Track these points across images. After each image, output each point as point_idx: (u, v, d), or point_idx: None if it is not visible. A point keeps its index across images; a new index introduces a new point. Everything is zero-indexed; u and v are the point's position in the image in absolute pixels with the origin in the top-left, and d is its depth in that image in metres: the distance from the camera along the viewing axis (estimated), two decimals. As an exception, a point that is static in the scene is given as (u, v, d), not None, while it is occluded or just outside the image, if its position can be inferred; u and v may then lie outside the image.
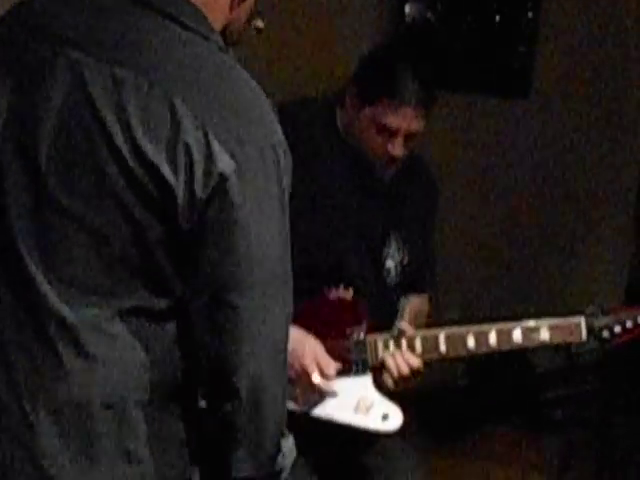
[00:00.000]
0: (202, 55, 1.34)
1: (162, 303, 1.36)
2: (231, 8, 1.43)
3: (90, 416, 1.34)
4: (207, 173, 1.27)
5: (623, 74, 5.15)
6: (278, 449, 1.44)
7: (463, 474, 4.15)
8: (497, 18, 4.59)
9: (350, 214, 2.27)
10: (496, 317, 2.19)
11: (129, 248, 1.31)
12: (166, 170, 1.27)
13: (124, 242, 1.31)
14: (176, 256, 1.33)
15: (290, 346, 2.07)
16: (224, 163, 1.27)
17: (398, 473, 2.36)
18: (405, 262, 2.32)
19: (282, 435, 1.45)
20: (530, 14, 4.68)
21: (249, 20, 1.50)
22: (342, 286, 2.18)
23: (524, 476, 4.16)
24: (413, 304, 2.34)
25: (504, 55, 4.67)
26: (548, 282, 4.81)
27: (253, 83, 1.37)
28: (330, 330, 2.16)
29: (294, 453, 1.49)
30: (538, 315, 2.20)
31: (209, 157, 1.27)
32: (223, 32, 1.44)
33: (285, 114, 2.21)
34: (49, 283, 1.33)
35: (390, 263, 2.30)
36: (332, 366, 2.14)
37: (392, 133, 2.18)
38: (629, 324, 2.19)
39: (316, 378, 2.12)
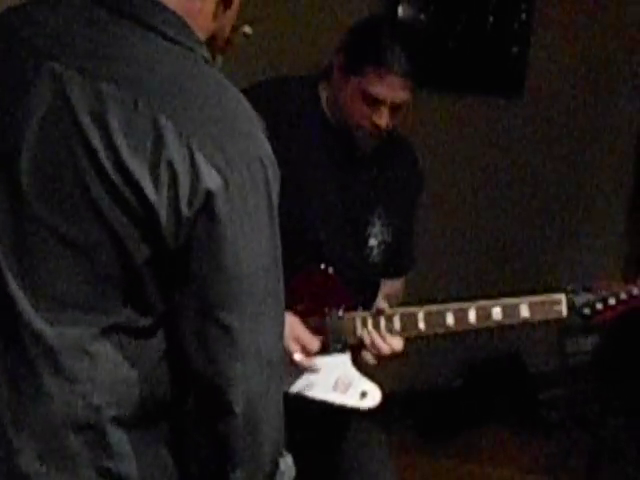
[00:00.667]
0: (186, 68, 1.32)
1: (147, 320, 1.33)
2: (215, 16, 1.40)
3: (68, 437, 1.32)
4: (193, 190, 1.24)
5: (616, 74, 5.16)
6: (276, 468, 1.41)
7: (458, 475, 4.15)
8: (490, 19, 4.59)
9: (334, 191, 2.26)
10: (477, 296, 2.18)
11: (113, 265, 1.29)
12: (149, 188, 1.24)
13: (108, 259, 1.29)
14: (162, 274, 1.30)
15: None
16: (210, 179, 1.25)
17: (370, 467, 2.35)
18: (388, 241, 2.30)
19: (280, 454, 1.43)
20: (523, 15, 4.69)
21: (236, 27, 1.49)
22: (322, 264, 2.17)
23: (519, 477, 4.16)
24: (387, 287, 2.33)
25: (497, 56, 4.67)
26: (544, 279, 4.81)
27: (239, 95, 1.35)
28: (309, 308, 2.16)
29: (293, 472, 1.46)
30: (516, 292, 2.20)
31: (194, 174, 1.25)
32: (210, 40, 1.42)
33: (266, 92, 2.21)
34: (30, 302, 1.31)
35: (373, 241, 2.29)
36: (314, 342, 2.14)
37: (378, 102, 2.16)
38: (611, 301, 2.20)
39: (297, 356, 2.12)
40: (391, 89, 2.16)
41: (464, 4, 4.49)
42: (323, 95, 2.27)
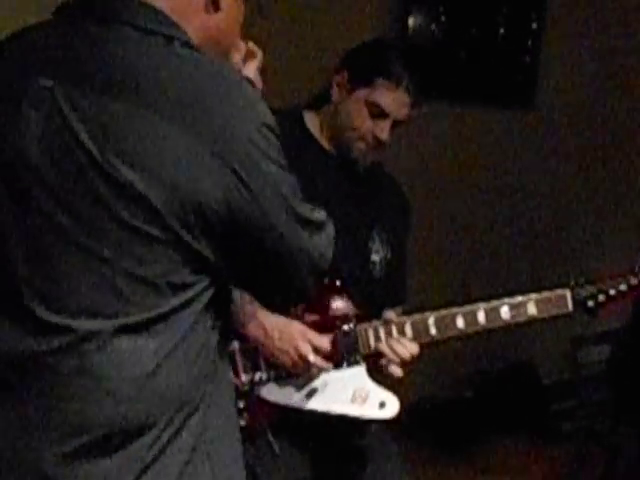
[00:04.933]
0: (167, 60, 1.33)
1: (174, 306, 1.36)
2: (207, 11, 1.43)
3: (99, 435, 1.34)
4: (197, 183, 1.28)
5: (628, 83, 5.16)
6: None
7: (470, 486, 4.14)
8: (501, 30, 4.60)
9: (335, 210, 2.29)
10: (483, 297, 2.21)
11: (137, 262, 1.32)
12: (153, 192, 1.28)
13: (130, 258, 1.31)
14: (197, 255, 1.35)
15: (278, 333, 2.10)
16: (219, 175, 1.29)
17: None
18: (388, 257, 2.36)
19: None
20: (534, 25, 4.69)
21: (234, 41, 1.53)
22: (328, 278, 2.19)
23: (532, 488, 4.16)
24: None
25: (508, 66, 4.68)
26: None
27: (224, 69, 1.37)
28: (319, 322, 2.17)
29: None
30: (521, 290, 2.22)
31: (198, 168, 1.28)
32: (216, 47, 1.46)
33: None
34: (48, 301, 1.33)
35: (375, 257, 2.34)
36: (325, 341, 2.15)
37: (383, 115, 2.23)
38: (612, 292, 2.23)
39: (312, 357, 2.14)
40: (397, 103, 2.23)
41: (475, 14, 4.50)
42: (310, 122, 2.34)
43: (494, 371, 4.76)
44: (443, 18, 4.38)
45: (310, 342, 2.14)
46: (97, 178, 1.28)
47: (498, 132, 4.70)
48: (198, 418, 1.41)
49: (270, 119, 1.36)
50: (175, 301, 1.34)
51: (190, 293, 1.36)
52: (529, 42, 4.70)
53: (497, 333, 4.63)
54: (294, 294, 1.59)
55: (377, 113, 2.23)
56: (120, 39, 1.34)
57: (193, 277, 1.35)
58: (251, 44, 1.61)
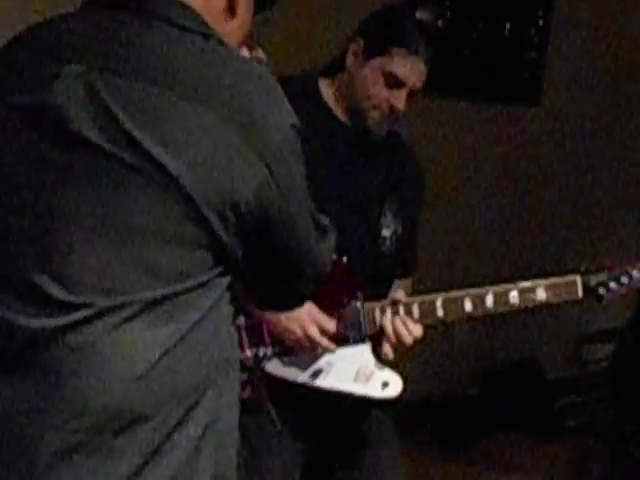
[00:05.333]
0: (207, 55, 1.35)
1: (182, 286, 1.35)
2: (225, 19, 1.45)
3: (105, 427, 1.33)
4: (234, 174, 1.30)
5: (635, 80, 5.14)
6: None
7: (476, 482, 4.14)
8: (508, 26, 4.59)
9: (346, 183, 2.30)
10: (493, 281, 2.21)
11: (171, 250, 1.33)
12: (188, 179, 1.29)
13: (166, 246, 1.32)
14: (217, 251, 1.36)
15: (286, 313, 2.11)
16: (254, 168, 1.31)
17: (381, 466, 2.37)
18: (399, 232, 2.34)
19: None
20: (541, 22, 4.69)
21: (249, 47, 1.54)
22: (337, 254, 2.20)
23: (537, 484, 4.16)
24: (399, 288, 2.35)
25: (515, 63, 4.67)
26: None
27: (259, 68, 1.39)
28: (327, 300, 2.17)
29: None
30: (531, 277, 2.21)
31: (235, 159, 1.30)
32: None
33: None
34: (61, 286, 1.32)
35: (386, 232, 2.32)
36: (331, 323, 2.16)
37: (399, 84, 2.21)
38: (624, 279, 2.23)
39: (318, 338, 2.15)
40: (413, 72, 2.21)
41: (481, 11, 4.49)
42: (325, 91, 2.31)
43: (499, 367, 4.75)
44: (449, 14, 4.38)
45: (317, 323, 2.15)
46: (134, 157, 1.29)
47: (504, 128, 4.69)
48: (207, 407, 1.40)
49: (297, 122, 1.39)
50: (193, 282, 1.34)
51: (208, 276, 1.36)
52: (535, 38, 4.69)
53: (502, 329, 4.64)
54: (293, 298, 1.61)
55: (394, 82, 2.20)
56: (157, 33, 1.35)
57: (214, 262, 1.35)
58: (260, 52, 1.61)
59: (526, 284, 2.19)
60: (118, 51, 1.33)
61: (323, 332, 2.16)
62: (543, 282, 2.19)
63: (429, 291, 2.22)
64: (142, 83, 1.30)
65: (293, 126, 1.37)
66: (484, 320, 4.43)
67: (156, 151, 1.28)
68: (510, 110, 4.67)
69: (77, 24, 1.40)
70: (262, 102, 1.34)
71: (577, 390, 4.52)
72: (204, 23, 1.39)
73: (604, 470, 4.11)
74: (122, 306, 1.31)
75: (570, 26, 4.77)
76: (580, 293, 2.20)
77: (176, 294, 1.33)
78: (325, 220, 1.52)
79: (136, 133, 1.28)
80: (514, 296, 2.18)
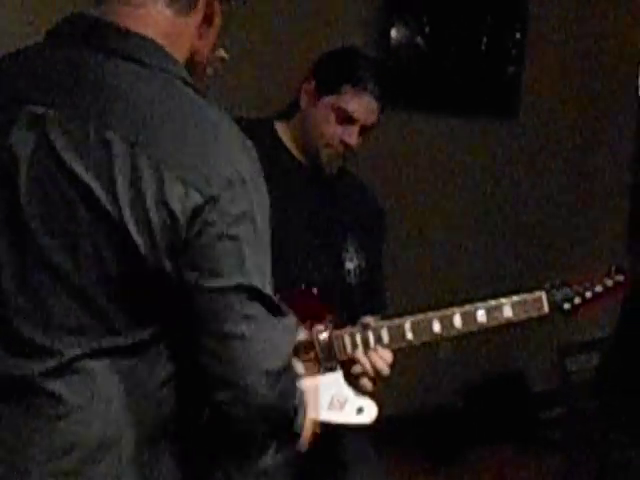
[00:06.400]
0: (161, 92, 1.34)
1: (145, 337, 1.36)
2: (200, 35, 1.44)
3: (72, 458, 1.35)
4: (170, 214, 1.28)
5: (611, 92, 5.18)
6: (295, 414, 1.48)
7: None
8: (485, 40, 4.62)
9: (307, 220, 2.33)
10: (459, 301, 2.22)
11: (109, 290, 1.33)
12: (129, 218, 1.28)
13: (104, 285, 1.32)
14: (156, 292, 1.34)
15: None
16: (192, 201, 1.28)
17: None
18: (363, 266, 2.37)
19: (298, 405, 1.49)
20: (518, 35, 4.72)
21: (213, 50, 1.53)
22: (304, 285, 2.21)
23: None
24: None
25: (493, 76, 4.69)
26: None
27: (217, 114, 1.37)
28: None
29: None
30: (500, 295, 2.22)
31: (169, 198, 1.28)
32: (190, 62, 1.46)
33: None
34: (28, 325, 1.34)
35: (350, 265, 2.35)
36: (298, 364, 2.16)
37: (351, 121, 2.25)
38: (588, 294, 2.25)
39: None
40: (365, 109, 2.26)
41: (459, 25, 4.52)
42: (282, 132, 2.36)
43: (483, 381, 4.76)
44: (427, 29, 4.40)
45: None
46: (79, 204, 1.30)
47: (483, 142, 4.71)
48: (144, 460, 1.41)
49: (257, 173, 1.37)
50: (144, 334, 1.35)
51: (155, 329, 1.36)
52: (513, 51, 4.72)
53: (485, 342, 4.65)
54: (242, 393, 1.39)
55: (345, 118, 2.25)
56: (117, 71, 1.35)
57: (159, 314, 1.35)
58: (222, 51, 1.60)
59: (492, 303, 2.20)
60: (76, 93, 1.33)
61: None
62: (509, 300, 2.21)
63: (397, 314, 2.23)
64: (97, 126, 1.30)
65: (240, 176, 1.33)
66: (469, 333, 4.45)
67: (107, 203, 1.28)
68: (489, 123, 4.69)
69: (40, 60, 1.40)
70: (215, 152, 1.32)
71: (561, 402, 4.52)
72: (165, 57, 1.38)
73: (591, 481, 4.11)
74: (85, 354, 1.34)
75: (544, 40, 4.81)
76: (546, 309, 2.22)
77: (133, 343, 1.35)
78: (283, 305, 1.45)
79: (84, 177, 1.29)
80: (481, 315, 2.19)
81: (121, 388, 1.35)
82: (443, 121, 4.50)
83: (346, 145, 2.27)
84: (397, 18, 4.26)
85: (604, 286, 2.27)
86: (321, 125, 2.26)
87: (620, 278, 2.28)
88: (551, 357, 4.85)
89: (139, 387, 1.37)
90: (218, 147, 1.33)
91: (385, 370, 2.17)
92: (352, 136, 2.26)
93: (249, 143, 1.39)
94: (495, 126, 4.73)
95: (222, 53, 1.56)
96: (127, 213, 1.28)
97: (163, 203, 1.28)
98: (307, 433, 1.67)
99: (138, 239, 1.28)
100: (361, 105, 2.25)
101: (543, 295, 2.22)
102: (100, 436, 1.35)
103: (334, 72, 2.29)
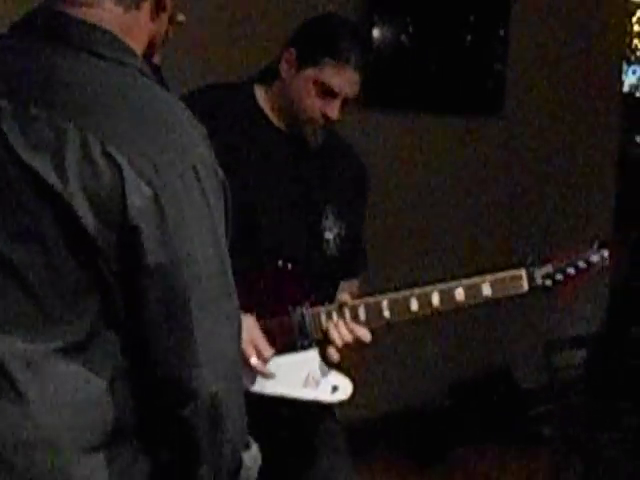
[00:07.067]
0: (116, 84, 1.35)
1: (99, 335, 1.34)
2: (153, 20, 1.46)
3: (17, 458, 1.32)
4: (123, 204, 1.28)
5: (594, 86, 5.20)
6: (241, 464, 1.44)
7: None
8: (469, 38, 4.62)
9: (285, 189, 2.30)
10: (439, 279, 2.18)
11: (60, 283, 1.31)
12: (81, 206, 1.27)
13: (51, 277, 1.31)
14: (110, 288, 1.32)
15: None
16: (140, 192, 1.28)
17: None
18: (343, 234, 2.33)
19: (245, 447, 1.45)
20: (502, 32, 4.72)
21: (170, 20, 1.52)
22: (281, 261, 2.19)
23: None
24: (345, 288, 2.34)
25: (478, 74, 4.70)
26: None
27: (173, 105, 1.38)
28: (272, 306, 2.17)
29: (259, 461, 1.49)
30: (479, 272, 2.18)
31: (123, 188, 1.27)
32: (150, 43, 1.47)
33: (202, 100, 2.25)
34: None
35: (329, 235, 2.31)
36: (268, 349, 2.14)
37: (332, 94, 2.21)
38: (570, 270, 2.20)
39: (254, 360, 2.13)
40: (347, 82, 2.21)
41: (442, 23, 4.52)
42: (261, 98, 2.32)
43: (470, 378, 4.76)
44: (411, 28, 4.39)
45: (254, 344, 2.13)
46: (29, 193, 1.29)
47: (468, 139, 4.72)
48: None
49: (209, 162, 1.36)
50: (87, 328, 1.33)
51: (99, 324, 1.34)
52: (498, 49, 4.73)
53: (472, 339, 4.64)
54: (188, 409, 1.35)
55: (326, 92, 2.21)
56: (74, 62, 1.35)
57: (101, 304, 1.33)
58: (181, 16, 1.58)
59: (471, 280, 2.17)
60: (33, 85, 1.34)
61: (259, 355, 2.14)
62: (488, 277, 2.17)
63: (375, 292, 2.20)
64: (53, 115, 1.30)
65: (194, 168, 1.33)
66: (455, 330, 4.46)
67: (59, 188, 1.28)
68: (473, 121, 4.70)
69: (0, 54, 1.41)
70: (169, 139, 1.33)
71: (549, 398, 4.52)
72: (122, 48, 1.39)
73: (579, 478, 4.11)
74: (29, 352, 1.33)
75: (527, 37, 4.82)
76: (526, 286, 2.18)
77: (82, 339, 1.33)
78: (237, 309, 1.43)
79: (35, 166, 1.28)
80: (459, 293, 2.17)
81: (73, 386, 1.33)
82: (427, 119, 4.50)
83: (327, 118, 2.23)
84: (380, 17, 4.25)
85: (587, 261, 2.21)
86: (302, 98, 2.22)
87: (603, 252, 2.22)
88: (538, 353, 4.86)
89: (81, 390, 1.34)
90: (170, 137, 1.33)
91: (348, 338, 2.14)
92: (334, 110, 2.22)
93: (205, 133, 1.39)
94: (480, 123, 4.73)
95: (180, 17, 1.55)
96: (79, 199, 1.27)
97: (117, 189, 1.28)
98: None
99: (90, 224, 1.28)
100: (343, 78, 2.20)
101: (523, 272, 2.18)
102: (41, 436, 1.32)
103: (314, 43, 2.23)
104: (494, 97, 4.75)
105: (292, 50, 2.25)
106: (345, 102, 2.24)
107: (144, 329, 1.34)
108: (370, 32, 4.20)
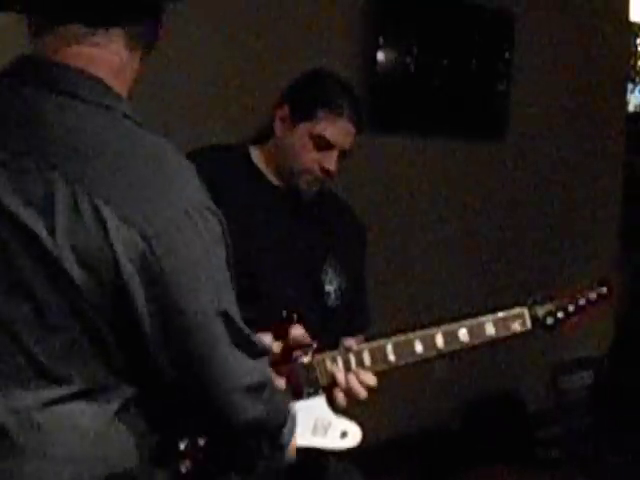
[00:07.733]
0: (103, 130, 1.33)
1: (102, 386, 1.34)
2: (141, 59, 1.43)
3: None
4: (114, 260, 1.26)
5: (598, 108, 5.21)
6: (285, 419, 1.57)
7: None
8: (474, 61, 4.63)
9: (284, 245, 2.31)
10: (441, 319, 2.19)
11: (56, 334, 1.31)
12: (69, 259, 1.26)
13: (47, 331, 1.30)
14: (113, 340, 1.32)
15: None
16: (132, 244, 1.27)
17: None
18: (343, 287, 2.35)
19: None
20: (507, 54, 4.73)
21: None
22: (285, 312, 2.20)
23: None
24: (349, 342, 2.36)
25: (483, 97, 4.71)
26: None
27: (160, 148, 1.36)
28: (277, 355, 2.17)
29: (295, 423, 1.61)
30: (482, 312, 2.19)
31: (112, 242, 1.26)
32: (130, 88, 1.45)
33: (199, 160, 2.26)
34: None
35: (329, 287, 2.34)
36: (280, 383, 2.15)
37: (329, 147, 2.24)
38: (571, 308, 2.22)
39: None
40: (342, 133, 2.24)
41: (447, 47, 4.53)
42: (256, 157, 2.34)
43: (478, 401, 4.75)
44: (416, 50, 4.41)
45: None
46: (19, 248, 1.28)
47: (471, 163, 4.72)
48: None
49: (202, 202, 1.35)
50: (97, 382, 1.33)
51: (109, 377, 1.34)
52: (503, 71, 4.74)
53: (480, 363, 4.63)
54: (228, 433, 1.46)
55: (323, 145, 2.23)
56: (59, 109, 1.33)
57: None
58: None
59: (474, 321, 2.18)
60: (20, 133, 1.32)
61: None
62: (491, 317, 2.18)
63: (380, 335, 2.21)
64: (41, 166, 1.29)
65: (186, 212, 1.31)
66: (464, 354, 4.43)
67: (52, 248, 1.27)
68: (477, 144, 4.70)
69: None
70: (158, 186, 1.30)
71: (556, 421, 4.52)
72: (109, 94, 1.37)
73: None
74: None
75: (531, 59, 4.83)
76: (529, 325, 2.19)
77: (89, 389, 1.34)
78: (259, 341, 1.45)
79: (24, 219, 1.27)
80: (463, 334, 2.17)
81: (75, 440, 1.33)
82: (431, 142, 4.51)
83: (326, 171, 2.26)
84: (385, 39, 4.26)
85: (587, 299, 2.24)
86: (299, 153, 2.25)
87: (603, 290, 2.25)
88: (545, 376, 4.86)
89: (78, 442, 1.34)
90: (159, 181, 1.31)
91: (362, 394, 2.15)
92: (331, 162, 2.25)
93: (194, 172, 1.37)
94: (483, 146, 4.73)
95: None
96: (67, 253, 1.26)
97: (105, 242, 1.26)
98: (295, 442, 1.71)
99: (79, 278, 1.27)
100: (338, 130, 2.23)
101: (525, 311, 2.19)
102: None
103: (307, 97, 2.27)
104: (498, 120, 4.76)
105: (285, 107, 2.28)
106: (342, 154, 2.27)
107: (161, 378, 1.34)
108: (375, 55, 4.21)
